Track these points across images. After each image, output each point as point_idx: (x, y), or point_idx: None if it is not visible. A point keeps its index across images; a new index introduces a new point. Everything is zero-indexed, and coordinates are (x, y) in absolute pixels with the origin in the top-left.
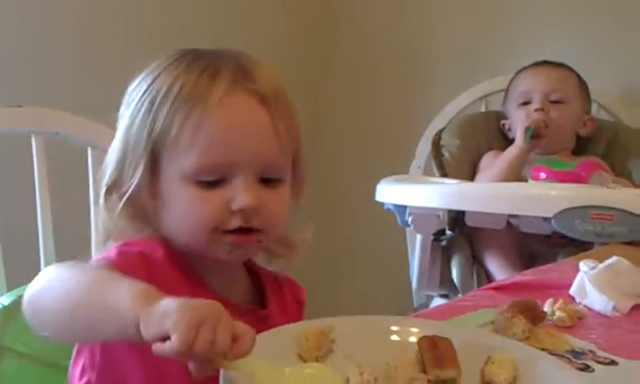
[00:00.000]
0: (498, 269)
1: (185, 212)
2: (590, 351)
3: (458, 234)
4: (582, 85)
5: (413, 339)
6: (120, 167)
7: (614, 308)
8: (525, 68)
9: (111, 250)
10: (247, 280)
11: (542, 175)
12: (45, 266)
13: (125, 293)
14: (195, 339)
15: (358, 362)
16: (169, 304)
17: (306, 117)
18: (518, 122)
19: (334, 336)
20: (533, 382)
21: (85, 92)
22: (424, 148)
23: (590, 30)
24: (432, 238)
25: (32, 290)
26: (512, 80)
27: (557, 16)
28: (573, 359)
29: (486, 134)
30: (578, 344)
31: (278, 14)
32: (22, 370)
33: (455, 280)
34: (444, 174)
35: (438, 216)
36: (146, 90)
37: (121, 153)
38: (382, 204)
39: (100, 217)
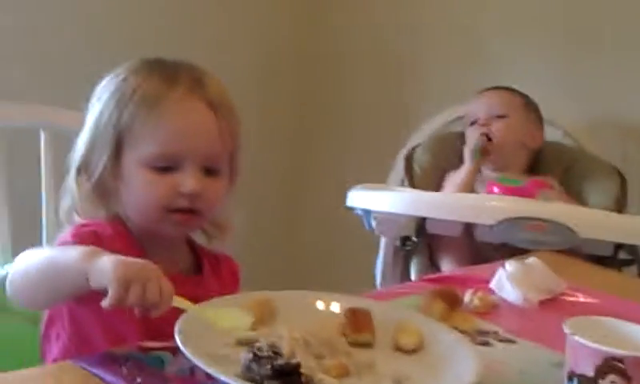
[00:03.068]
0: None
1: (141, 192)
2: (494, 332)
3: (420, 240)
4: (528, 102)
5: (337, 310)
6: (89, 151)
7: (525, 299)
8: (477, 93)
9: (67, 234)
10: (189, 256)
11: (495, 190)
12: (46, 243)
13: (73, 255)
14: (127, 294)
15: (294, 326)
16: (106, 262)
17: (289, 124)
18: (468, 142)
19: (274, 305)
20: (435, 348)
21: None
22: (400, 163)
23: (560, 61)
24: (399, 243)
25: (9, 277)
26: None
27: (529, 47)
28: (478, 337)
29: (456, 151)
30: (486, 326)
31: (263, 12)
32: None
33: (413, 280)
34: (413, 187)
35: (399, 221)
36: (114, 90)
37: (90, 139)
38: (353, 209)
39: (67, 195)
